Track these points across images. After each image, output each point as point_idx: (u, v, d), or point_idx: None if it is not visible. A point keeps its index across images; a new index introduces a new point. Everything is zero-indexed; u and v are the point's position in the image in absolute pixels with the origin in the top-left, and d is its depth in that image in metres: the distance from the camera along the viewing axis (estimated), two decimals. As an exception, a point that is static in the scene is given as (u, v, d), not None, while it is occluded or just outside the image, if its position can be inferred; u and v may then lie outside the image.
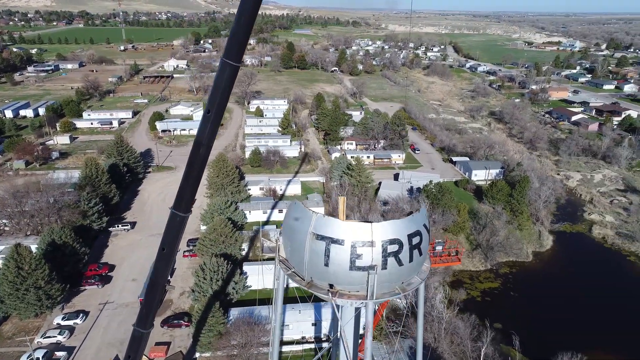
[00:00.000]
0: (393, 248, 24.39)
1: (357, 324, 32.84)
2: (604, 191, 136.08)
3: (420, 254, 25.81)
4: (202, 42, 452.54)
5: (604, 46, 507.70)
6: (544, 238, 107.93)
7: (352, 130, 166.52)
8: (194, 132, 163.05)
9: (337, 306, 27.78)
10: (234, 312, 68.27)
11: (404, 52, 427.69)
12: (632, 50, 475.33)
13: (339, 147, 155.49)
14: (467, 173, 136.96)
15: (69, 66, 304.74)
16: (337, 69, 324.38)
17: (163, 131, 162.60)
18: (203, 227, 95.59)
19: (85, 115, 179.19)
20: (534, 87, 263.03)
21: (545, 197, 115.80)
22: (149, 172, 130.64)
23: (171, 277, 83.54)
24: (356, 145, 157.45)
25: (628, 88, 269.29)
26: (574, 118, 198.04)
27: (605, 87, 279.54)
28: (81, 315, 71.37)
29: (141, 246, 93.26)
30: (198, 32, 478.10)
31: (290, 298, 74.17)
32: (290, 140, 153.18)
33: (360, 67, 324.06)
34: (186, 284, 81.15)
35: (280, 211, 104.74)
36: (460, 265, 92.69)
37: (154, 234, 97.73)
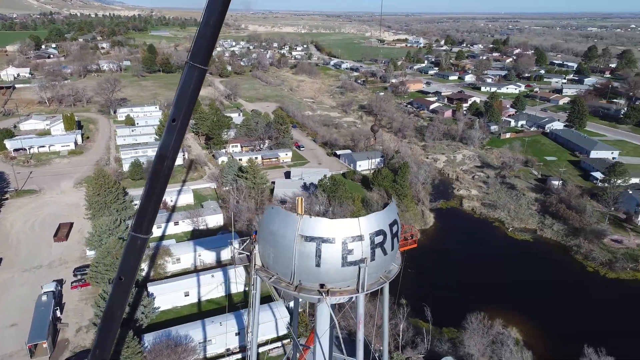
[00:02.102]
0: (379, 239, 25.31)
1: (331, 322, 33.24)
2: (466, 169, 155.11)
3: (398, 241, 27.30)
4: (43, 46, 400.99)
5: (442, 42, 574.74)
6: (426, 216, 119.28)
7: (234, 132, 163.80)
8: (56, 148, 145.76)
9: (316, 305, 27.61)
10: (149, 338, 62.88)
11: (270, 52, 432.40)
12: (464, 45, 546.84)
13: (224, 150, 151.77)
14: (351, 165, 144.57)
15: None
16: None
17: (16, 150, 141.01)
18: (90, 253, 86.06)
19: None
20: (393, 80, 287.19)
21: (423, 179, 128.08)
22: (7, 198, 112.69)
23: (61, 313, 73.63)
24: (241, 147, 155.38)
25: (468, 78, 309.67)
26: (431, 107, 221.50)
27: (451, 78, 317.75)
28: (-49, 379, 59.19)
29: (14, 285, 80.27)
30: (37, 36, 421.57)
31: (208, 311, 71.52)
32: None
33: (230, 68, 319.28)
34: (82, 319, 72.22)
35: (176, 223, 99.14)
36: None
37: (28, 269, 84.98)
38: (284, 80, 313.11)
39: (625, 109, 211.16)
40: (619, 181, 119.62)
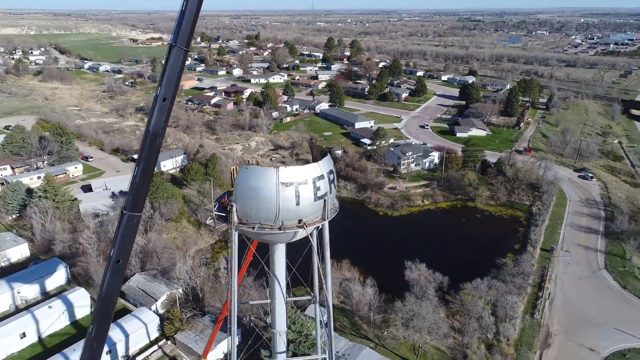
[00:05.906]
0: (331, 177, 32.44)
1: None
2: (262, 153, 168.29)
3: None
4: None
5: (199, 39, 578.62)
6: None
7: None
8: None
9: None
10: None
11: (0, 59, 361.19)
12: (221, 41, 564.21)
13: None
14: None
15: None
16: None
17: None
18: None
19: None
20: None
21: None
22: None
23: None
24: (12, 169, 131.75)
25: (236, 72, 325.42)
26: (213, 101, 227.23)
27: (220, 73, 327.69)
28: None
29: None
30: None
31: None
32: None
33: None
34: None
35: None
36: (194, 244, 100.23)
37: None
38: (32, 90, 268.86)
39: (367, 87, 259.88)
40: (383, 142, 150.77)
